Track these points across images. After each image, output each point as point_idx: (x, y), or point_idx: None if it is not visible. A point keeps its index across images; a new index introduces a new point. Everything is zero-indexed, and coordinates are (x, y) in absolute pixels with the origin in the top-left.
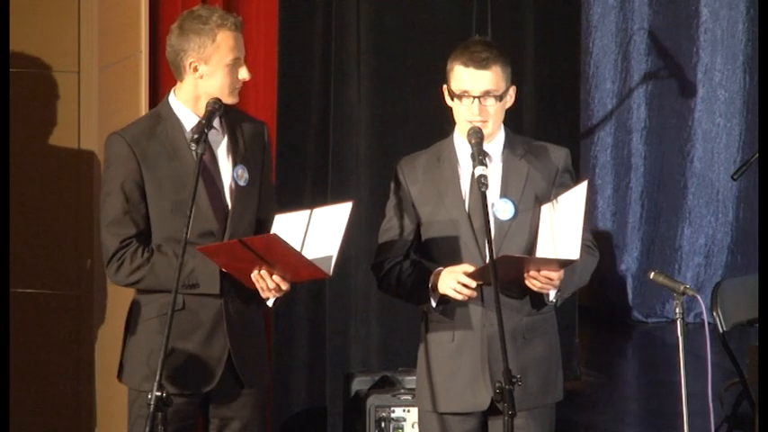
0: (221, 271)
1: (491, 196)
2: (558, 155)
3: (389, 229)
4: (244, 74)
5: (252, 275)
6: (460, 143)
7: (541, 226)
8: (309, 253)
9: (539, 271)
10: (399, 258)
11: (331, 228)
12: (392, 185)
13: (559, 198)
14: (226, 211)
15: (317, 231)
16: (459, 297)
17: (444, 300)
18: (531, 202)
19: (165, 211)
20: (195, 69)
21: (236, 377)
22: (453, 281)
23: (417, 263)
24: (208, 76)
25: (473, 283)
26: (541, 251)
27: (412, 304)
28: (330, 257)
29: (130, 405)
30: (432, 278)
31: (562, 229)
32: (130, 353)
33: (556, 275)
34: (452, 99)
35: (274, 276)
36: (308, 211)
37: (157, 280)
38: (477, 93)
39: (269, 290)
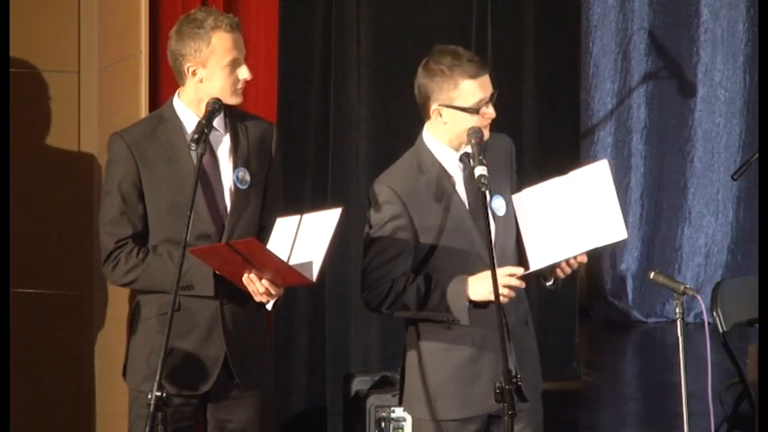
0: (217, 273)
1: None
2: (507, 141)
3: (385, 250)
4: (244, 73)
5: (243, 279)
6: (438, 148)
7: (520, 216)
8: (297, 258)
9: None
10: (406, 276)
11: (319, 234)
12: (380, 208)
13: (574, 178)
14: (224, 214)
15: (305, 237)
16: (506, 300)
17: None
18: (508, 193)
19: (162, 213)
20: (194, 73)
21: (233, 379)
22: (499, 285)
23: (427, 277)
24: (207, 79)
25: (523, 284)
26: (530, 239)
27: (433, 317)
28: (316, 263)
29: (131, 405)
30: (453, 287)
31: (593, 213)
32: (131, 353)
33: (583, 259)
34: (472, 114)
35: (264, 281)
36: (298, 217)
37: (152, 280)
38: (488, 95)
39: (260, 294)
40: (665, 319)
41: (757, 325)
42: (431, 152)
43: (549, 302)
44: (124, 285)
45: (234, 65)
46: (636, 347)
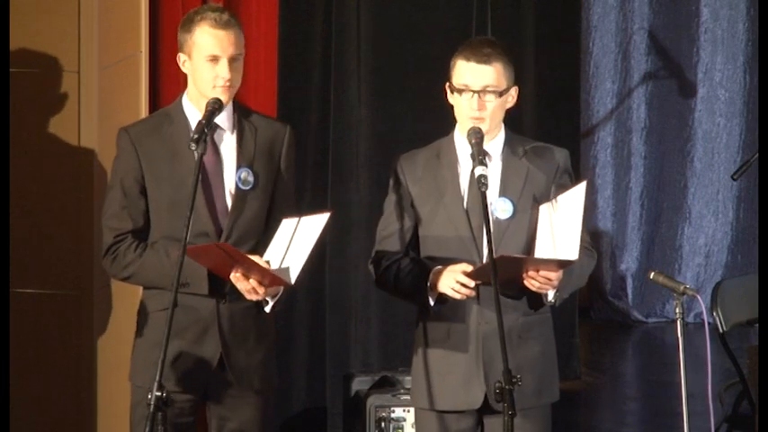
0: (213, 272)
1: (490, 195)
2: (559, 155)
3: (388, 226)
4: (220, 70)
5: (231, 277)
6: (460, 141)
7: (540, 226)
8: (291, 260)
9: (537, 271)
10: (398, 256)
11: (307, 237)
12: (391, 182)
13: (558, 198)
14: (224, 213)
15: (298, 239)
16: (458, 296)
17: (443, 299)
18: (529, 202)
19: (162, 209)
20: (183, 64)
21: (231, 377)
22: (452, 280)
23: (416, 261)
24: (192, 71)
25: (471, 283)
26: (540, 251)
27: (409, 302)
28: (296, 266)
29: (133, 403)
30: (431, 277)
31: (561, 229)
32: (134, 351)
33: (554, 276)
34: (453, 94)
35: (251, 280)
36: (296, 219)
37: (147, 276)
38: (476, 87)
39: (246, 291)
40: (665, 319)
41: (757, 325)
42: (453, 143)
43: None
44: (123, 280)
45: (213, 61)
46: (636, 347)
